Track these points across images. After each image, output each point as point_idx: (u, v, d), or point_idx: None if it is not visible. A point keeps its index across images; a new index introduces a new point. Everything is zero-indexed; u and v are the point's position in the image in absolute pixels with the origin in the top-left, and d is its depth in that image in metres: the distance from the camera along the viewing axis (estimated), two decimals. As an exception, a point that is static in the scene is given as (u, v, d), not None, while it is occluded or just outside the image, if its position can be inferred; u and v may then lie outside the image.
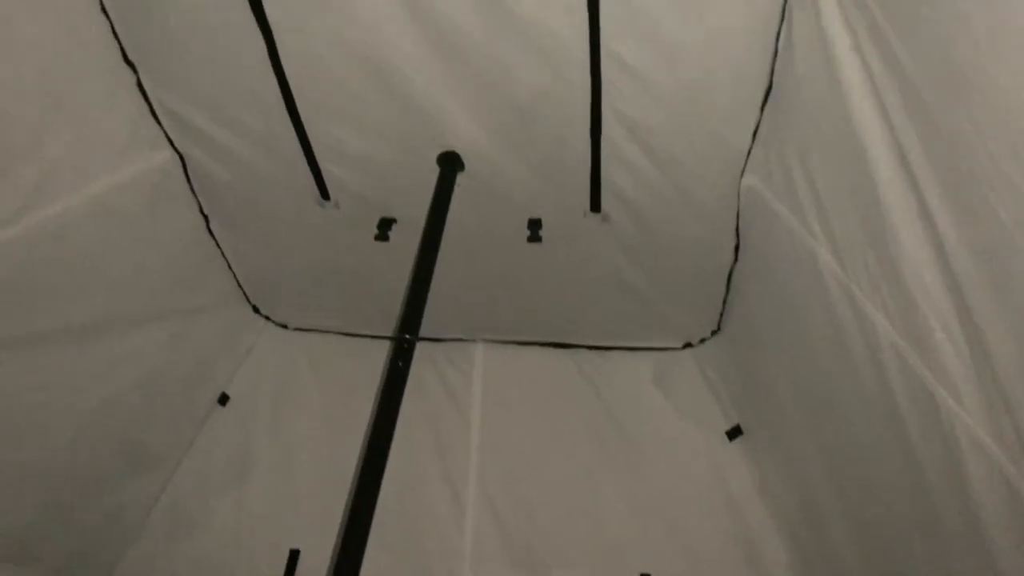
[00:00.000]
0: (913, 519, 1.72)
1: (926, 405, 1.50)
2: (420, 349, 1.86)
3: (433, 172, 2.20)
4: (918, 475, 1.61)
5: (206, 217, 2.51)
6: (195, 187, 2.40)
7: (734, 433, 2.67)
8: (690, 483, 2.68)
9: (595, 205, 2.28)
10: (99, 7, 1.93)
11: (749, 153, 2.05)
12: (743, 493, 2.61)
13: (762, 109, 1.93)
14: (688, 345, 2.84)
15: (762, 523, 2.54)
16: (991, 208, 1.19)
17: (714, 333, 2.75)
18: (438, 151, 2.19)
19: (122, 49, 2.03)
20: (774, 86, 1.87)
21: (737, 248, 2.34)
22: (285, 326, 3.02)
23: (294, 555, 2.66)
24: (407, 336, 1.83)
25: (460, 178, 2.23)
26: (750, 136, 2.00)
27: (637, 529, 2.63)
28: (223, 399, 2.89)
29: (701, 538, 2.58)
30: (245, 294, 2.88)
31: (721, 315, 2.66)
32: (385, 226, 2.42)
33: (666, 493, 2.68)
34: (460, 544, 2.66)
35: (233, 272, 2.76)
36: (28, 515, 2.26)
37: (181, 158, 2.31)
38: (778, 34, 1.77)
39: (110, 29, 1.98)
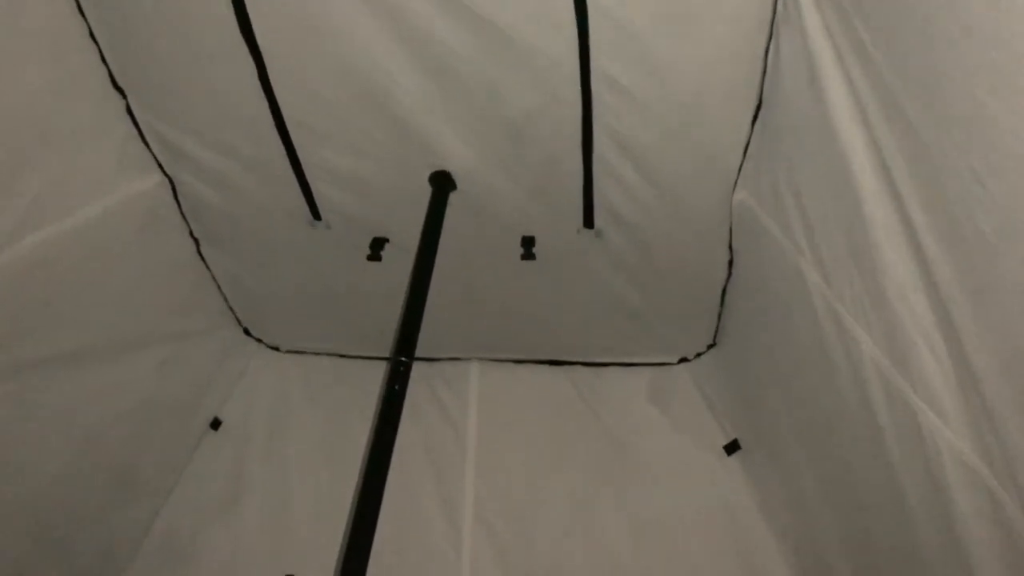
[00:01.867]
0: (898, 534, 1.71)
1: (908, 422, 1.50)
2: (414, 369, 1.84)
3: (425, 191, 2.20)
4: (900, 491, 1.61)
5: (196, 240, 2.49)
6: (185, 211, 2.39)
7: (732, 448, 2.66)
8: (688, 499, 2.66)
9: (588, 222, 2.27)
10: (87, 33, 1.92)
11: (740, 169, 2.05)
12: (742, 508, 2.59)
13: (752, 125, 1.94)
14: (684, 360, 2.83)
15: (761, 538, 2.52)
16: (974, 223, 1.20)
17: (709, 347, 2.75)
18: (430, 171, 2.19)
19: (111, 74, 2.02)
20: (764, 103, 1.88)
21: (731, 263, 2.34)
22: (277, 348, 3.00)
23: (289, 581, 2.63)
24: (403, 359, 1.82)
25: (452, 197, 2.22)
26: (741, 152, 2.01)
27: (636, 547, 2.61)
28: (215, 424, 2.86)
29: (701, 554, 2.56)
30: (236, 317, 2.86)
31: (716, 330, 2.66)
32: (377, 246, 2.41)
33: (665, 509, 2.66)
34: (457, 567, 2.63)
35: (224, 295, 2.74)
36: (18, 548, 2.22)
37: (171, 182, 2.29)
38: (767, 51, 1.78)
39: (98, 55, 1.97)
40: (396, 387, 1.76)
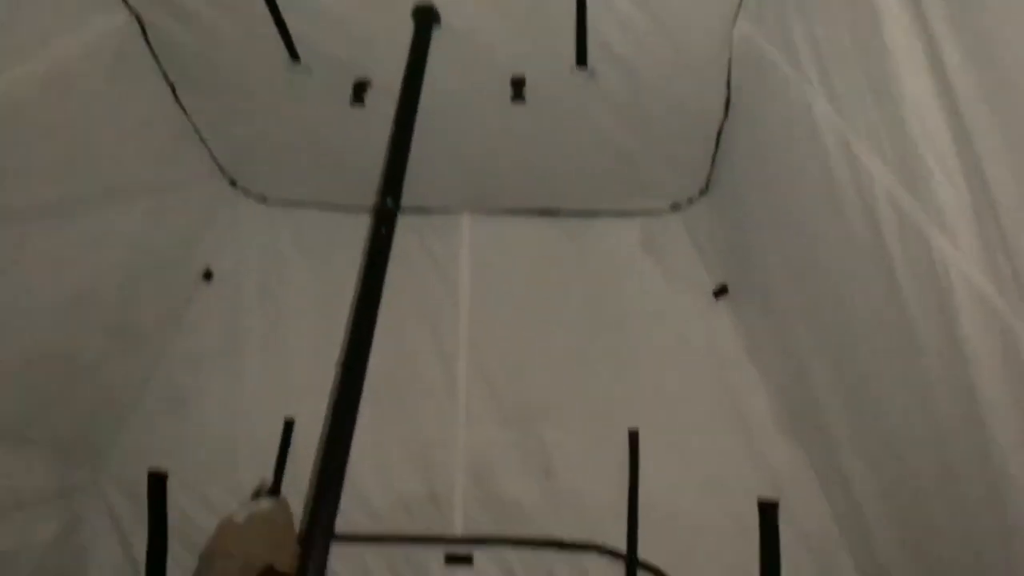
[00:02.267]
0: (899, 362, 1.74)
1: (919, 250, 1.49)
2: (406, 222, 1.82)
3: (408, 28, 2.08)
4: (907, 320, 1.62)
5: (172, 86, 2.38)
6: (157, 52, 2.26)
7: (720, 292, 2.68)
8: (677, 342, 2.72)
9: (581, 59, 2.16)
10: None
11: (742, -3, 1.93)
12: (730, 351, 2.65)
13: (756, -52, 1.81)
14: (676, 207, 2.79)
15: (748, 379, 2.60)
16: (1003, 41, 1.13)
17: (702, 193, 2.71)
18: (412, 4, 2.06)
19: None
20: (771, -81, 1.74)
21: (728, 103, 2.25)
22: (265, 200, 2.94)
23: (289, 425, 2.71)
24: (388, 202, 1.79)
25: (437, 34, 2.10)
26: (744, -24, 1.89)
27: (625, 388, 2.69)
28: (207, 275, 2.85)
29: (688, 394, 2.65)
30: (221, 167, 2.78)
31: (710, 175, 2.60)
32: (360, 89, 2.31)
33: (653, 353, 2.72)
34: (453, 406, 2.73)
35: (207, 145, 2.65)
36: (20, 399, 2.27)
37: (139, 20, 2.16)
38: None
39: None
40: (383, 230, 1.73)
